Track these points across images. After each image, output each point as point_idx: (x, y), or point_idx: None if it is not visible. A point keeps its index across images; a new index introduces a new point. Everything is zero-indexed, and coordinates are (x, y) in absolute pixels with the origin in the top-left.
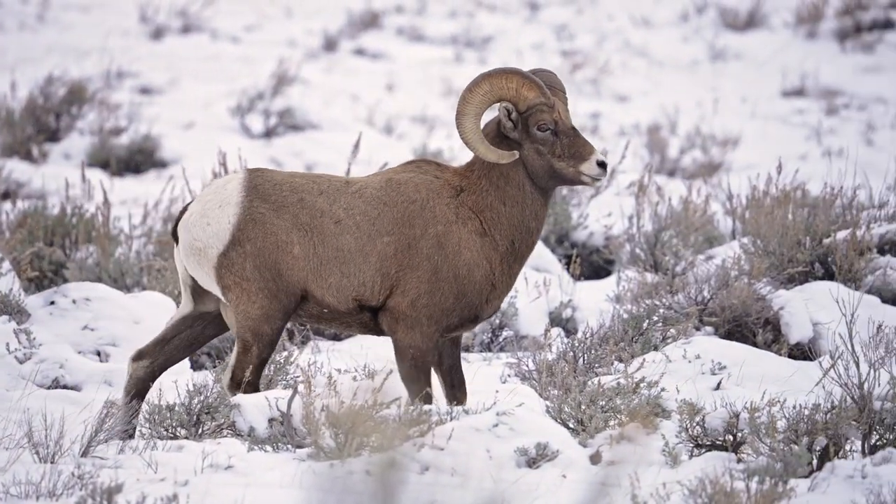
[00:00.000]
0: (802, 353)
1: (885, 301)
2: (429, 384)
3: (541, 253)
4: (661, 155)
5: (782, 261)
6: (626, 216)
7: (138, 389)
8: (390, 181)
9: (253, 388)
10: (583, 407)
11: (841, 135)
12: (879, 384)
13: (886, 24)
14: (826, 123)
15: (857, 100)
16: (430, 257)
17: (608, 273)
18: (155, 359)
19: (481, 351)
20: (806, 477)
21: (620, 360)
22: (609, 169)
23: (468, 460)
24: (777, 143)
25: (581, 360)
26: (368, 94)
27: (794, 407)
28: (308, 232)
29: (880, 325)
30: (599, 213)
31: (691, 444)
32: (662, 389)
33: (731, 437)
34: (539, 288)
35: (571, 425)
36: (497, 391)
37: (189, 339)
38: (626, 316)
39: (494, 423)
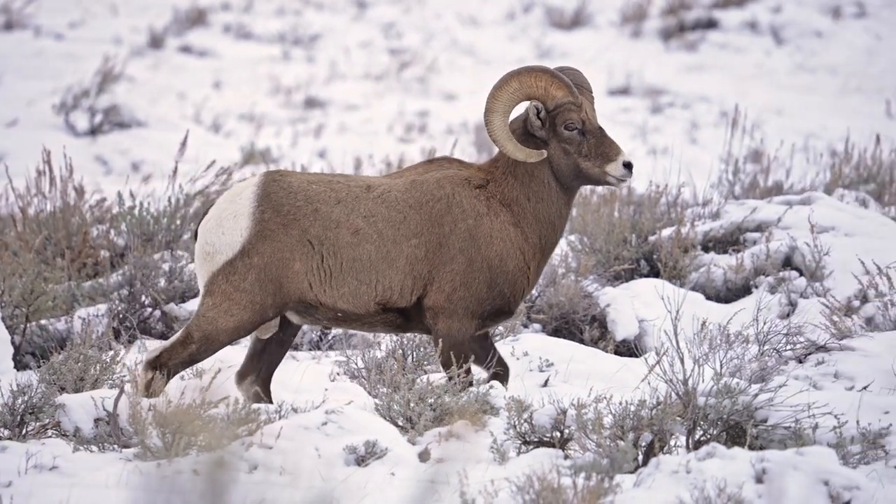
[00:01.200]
0: (628, 349)
1: (708, 298)
2: (468, 372)
3: None
4: (489, 153)
5: (609, 258)
6: None
7: (261, 401)
8: (414, 183)
9: (167, 378)
10: (412, 405)
11: (665, 133)
12: (703, 380)
13: (709, 24)
14: (651, 122)
15: (681, 98)
16: (463, 250)
17: None
18: (258, 372)
19: (310, 349)
20: (632, 472)
21: None
22: (634, 171)
23: (297, 459)
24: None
25: (410, 357)
26: (195, 92)
27: (621, 403)
28: (315, 245)
29: (704, 322)
30: None
31: (519, 441)
32: (491, 387)
33: (558, 434)
34: None
35: (401, 423)
36: (326, 389)
37: (277, 340)
38: None
39: (323, 421)
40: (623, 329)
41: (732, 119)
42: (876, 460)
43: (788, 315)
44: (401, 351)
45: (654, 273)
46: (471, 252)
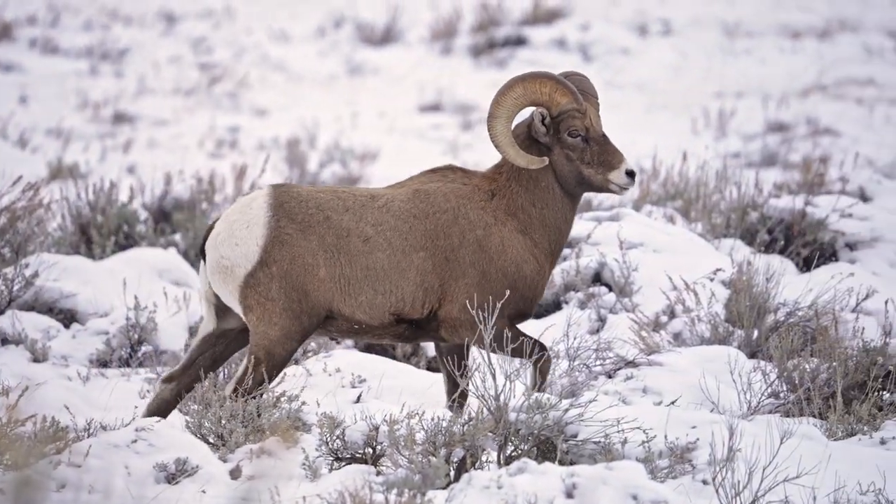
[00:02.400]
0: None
1: None
2: (519, 337)
3: (180, 266)
4: (301, 169)
5: None
6: None
7: (161, 410)
8: (417, 192)
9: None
10: (223, 422)
11: (477, 149)
12: (515, 396)
13: (519, 41)
14: (462, 138)
15: None
16: (473, 263)
17: None
18: (181, 382)
19: (120, 366)
20: (444, 488)
21: None
22: (637, 180)
23: (107, 477)
24: (415, 158)
25: (222, 374)
26: (0, 107)
27: (433, 419)
28: (334, 253)
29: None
30: None
31: (331, 458)
32: (303, 403)
33: (370, 450)
34: (179, 302)
35: (212, 440)
36: (136, 406)
37: (212, 357)
38: None
39: (133, 438)
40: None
41: None
42: (683, 474)
43: (598, 330)
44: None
45: None
46: (483, 264)
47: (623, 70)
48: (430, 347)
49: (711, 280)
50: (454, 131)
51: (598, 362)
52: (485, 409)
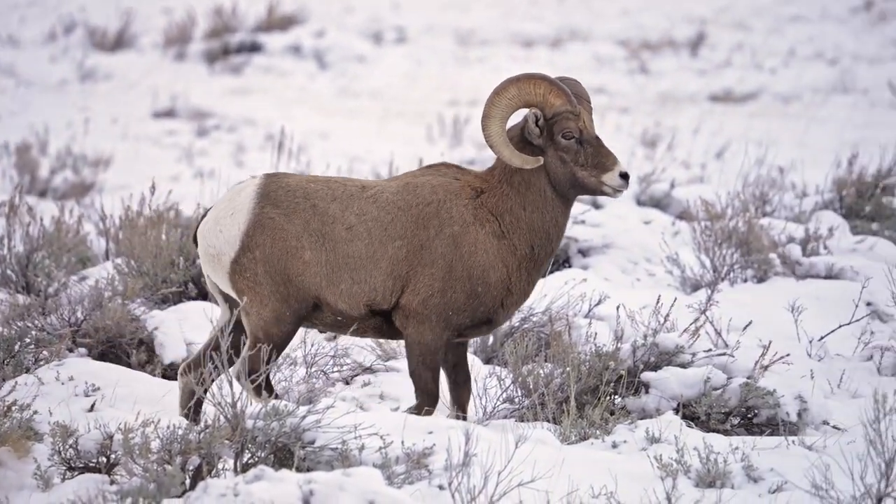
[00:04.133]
0: (177, 373)
1: None
2: (436, 381)
3: None
4: (32, 175)
5: (156, 281)
6: None
7: (195, 402)
8: (407, 185)
9: (267, 386)
10: None
11: (212, 156)
12: (252, 403)
13: (254, 48)
14: (197, 145)
15: (227, 121)
16: (444, 255)
17: None
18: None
19: None
20: (179, 496)
21: None
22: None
23: None
24: (149, 164)
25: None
26: None
27: (168, 427)
28: (320, 238)
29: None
30: None
31: (64, 467)
32: (35, 412)
33: (104, 459)
34: None
35: None
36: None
37: (233, 344)
38: None
39: None
40: (171, 352)
41: (279, 142)
42: (420, 480)
43: (335, 337)
44: None
45: (203, 296)
46: (452, 259)
47: (358, 77)
48: (166, 354)
49: None
50: (189, 137)
51: (335, 368)
52: (221, 417)
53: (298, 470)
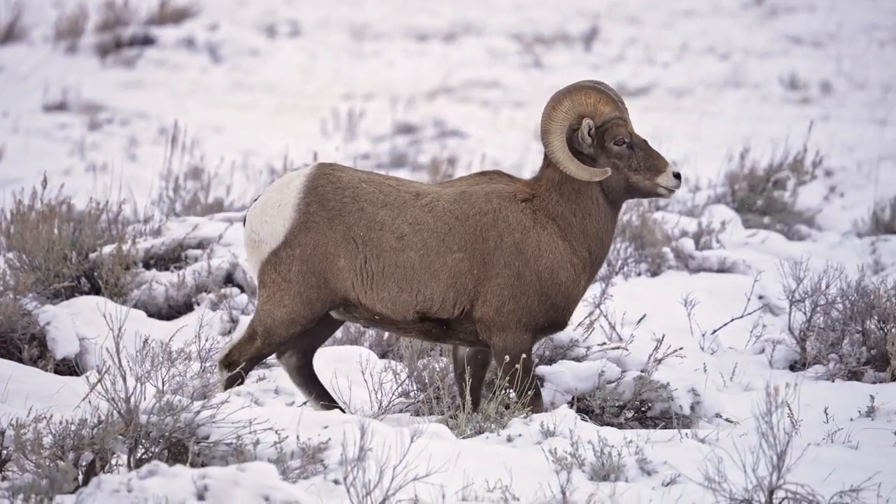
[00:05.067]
0: (69, 368)
1: (150, 315)
2: (533, 379)
3: None
4: None
5: (48, 276)
6: None
7: (303, 376)
8: (463, 194)
9: (240, 374)
10: None
11: (104, 149)
12: (146, 398)
13: (146, 41)
14: (89, 138)
15: (119, 115)
16: (509, 265)
17: None
18: (298, 346)
19: None
20: (72, 493)
21: None
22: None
23: None
24: (40, 158)
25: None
26: None
27: (61, 423)
28: (359, 245)
29: (147, 339)
30: None
31: None
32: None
33: None
34: None
35: None
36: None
37: (324, 322)
38: None
39: None
40: (63, 347)
41: (172, 136)
42: (315, 474)
43: (230, 332)
44: None
45: (96, 290)
46: (518, 266)
47: (252, 71)
48: (58, 349)
49: None
50: (81, 131)
51: None
52: (115, 412)
53: (193, 465)
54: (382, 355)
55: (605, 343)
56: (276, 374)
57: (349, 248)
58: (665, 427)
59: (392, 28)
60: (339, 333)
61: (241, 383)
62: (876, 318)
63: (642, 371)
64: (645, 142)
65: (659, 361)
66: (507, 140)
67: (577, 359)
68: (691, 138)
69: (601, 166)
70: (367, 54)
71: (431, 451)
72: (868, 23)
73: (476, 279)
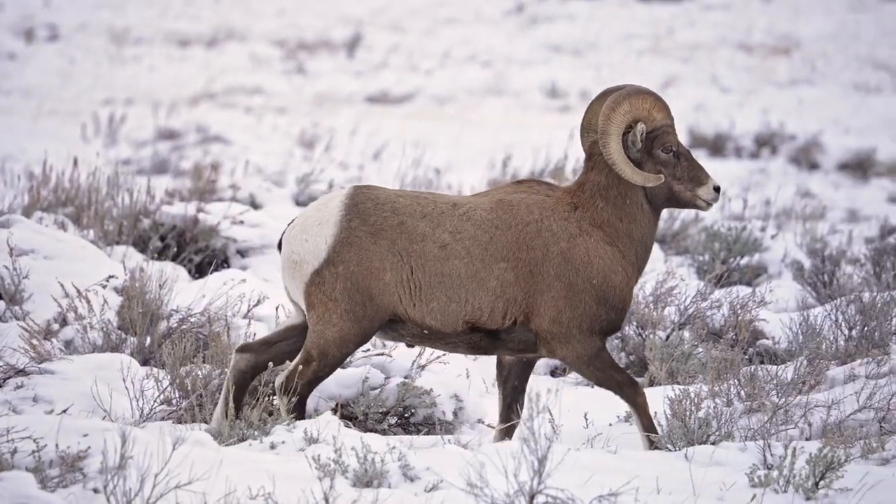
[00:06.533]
0: None
1: None
2: (621, 370)
3: None
4: None
5: None
6: None
7: (238, 382)
8: (501, 202)
9: (300, 399)
10: None
11: None
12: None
13: None
14: None
15: None
16: (559, 276)
17: None
18: (259, 356)
19: None
20: None
21: None
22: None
23: None
24: None
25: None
26: None
27: None
28: (404, 257)
29: None
30: None
31: None
32: None
33: None
34: None
35: None
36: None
37: (293, 346)
38: None
39: None
40: None
41: None
42: (74, 483)
43: None
44: None
45: None
46: (569, 276)
47: (9, 75)
48: None
49: (104, 287)
50: None
51: None
52: None
53: None
54: (144, 362)
55: (369, 350)
56: (35, 382)
57: (394, 262)
58: (428, 433)
59: (153, 33)
60: (98, 340)
61: (304, 408)
62: (635, 324)
63: (406, 377)
64: (689, 152)
65: (422, 367)
66: (270, 146)
67: (342, 365)
68: (454, 145)
69: (647, 172)
70: (127, 59)
71: (194, 459)
72: (626, 32)
73: (525, 291)
